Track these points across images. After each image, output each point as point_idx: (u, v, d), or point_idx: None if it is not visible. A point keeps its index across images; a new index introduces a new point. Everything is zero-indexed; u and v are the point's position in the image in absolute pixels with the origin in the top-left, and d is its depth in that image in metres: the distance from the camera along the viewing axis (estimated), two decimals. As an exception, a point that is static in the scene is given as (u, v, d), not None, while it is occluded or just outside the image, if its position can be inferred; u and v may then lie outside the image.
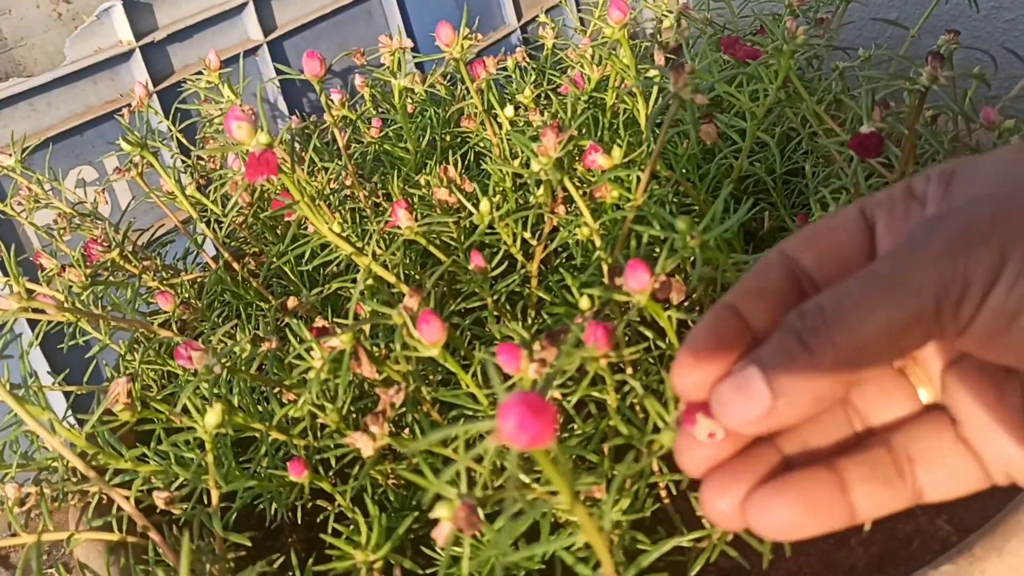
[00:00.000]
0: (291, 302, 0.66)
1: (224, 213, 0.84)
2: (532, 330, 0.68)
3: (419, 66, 1.47)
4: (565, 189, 0.65)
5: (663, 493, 0.60)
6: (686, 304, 0.61)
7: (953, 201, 0.30)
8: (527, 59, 1.16)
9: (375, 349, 0.59)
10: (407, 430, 0.60)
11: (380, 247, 0.70)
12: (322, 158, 0.91)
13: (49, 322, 0.78)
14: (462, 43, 0.75)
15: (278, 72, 1.43)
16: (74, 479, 0.65)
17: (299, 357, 0.53)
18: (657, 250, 0.61)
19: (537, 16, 1.74)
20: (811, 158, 0.82)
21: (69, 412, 0.80)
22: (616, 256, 0.58)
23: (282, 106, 1.50)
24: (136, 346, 0.76)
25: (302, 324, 0.53)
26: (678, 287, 0.51)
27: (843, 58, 1.03)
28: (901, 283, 0.28)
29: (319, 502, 0.65)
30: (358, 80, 1.08)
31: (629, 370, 0.55)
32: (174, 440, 0.53)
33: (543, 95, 0.98)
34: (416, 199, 0.77)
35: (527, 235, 0.68)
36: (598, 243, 0.61)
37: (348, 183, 0.80)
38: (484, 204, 0.64)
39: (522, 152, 0.84)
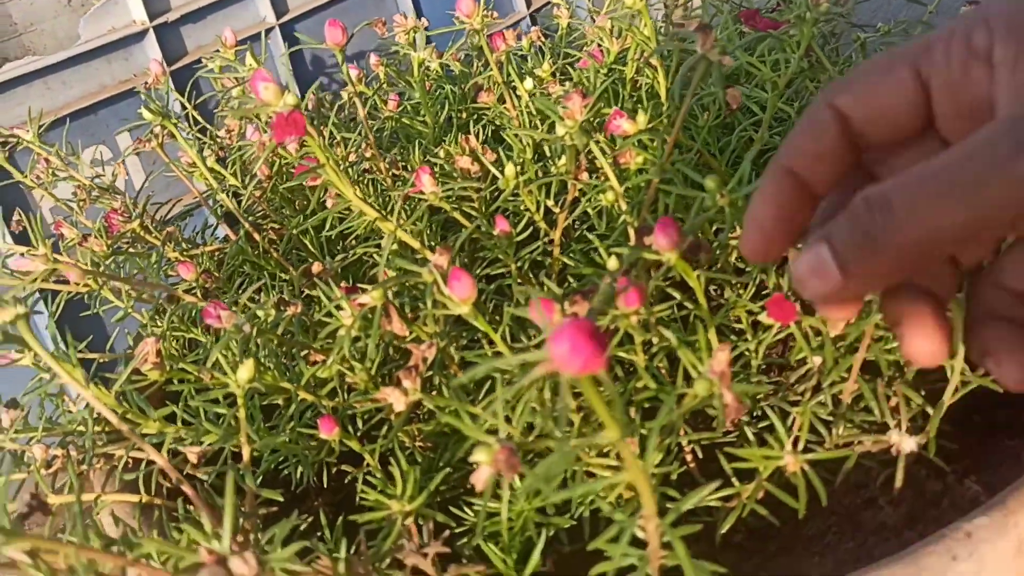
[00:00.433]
0: (315, 267, 0.67)
1: (244, 183, 0.84)
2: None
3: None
4: (589, 155, 0.65)
5: (688, 456, 0.61)
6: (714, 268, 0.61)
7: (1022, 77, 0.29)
8: (542, 39, 1.16)
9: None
10: (434, 392, 0.60)
11: (402, 216, 0.70)
12: (340, 132, 0.91)
13: (68, 293, 0.78)
14: (482, 16, 0.76)
15: (294, 43, 1.43)
16: (99, 442, 0.66)
17: (327, 317, 0.53)
18: (682, 217, 0.61)
19: (548, 2, 1.74)
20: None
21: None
22: (643, 218, 0.58)
23: (294, 88, 1.50)
24: (158, 315, 0.76)
25: (332, 282, 0.53)
26: (706, 247, 0.51)
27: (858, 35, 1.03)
28: (977, 192, 0.27)
29: (343, 467, 0.66)
30: (373, 59, 1.08)
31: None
32: (206, 397, 0.53)
33: (559, 71, 0.98)
34: (436, 170, 0.77)
35: (550, 203, 0.68)
36: (623, 207, 0.61)
37: (368, 155, 0.80)
38: (509, 168, 0.64)
39: (541, 124, 0.84)
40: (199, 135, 1.07)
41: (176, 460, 0.57)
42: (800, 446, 0.51)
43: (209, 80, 1.18)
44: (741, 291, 0.61)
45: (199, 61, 1.38)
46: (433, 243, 0.75)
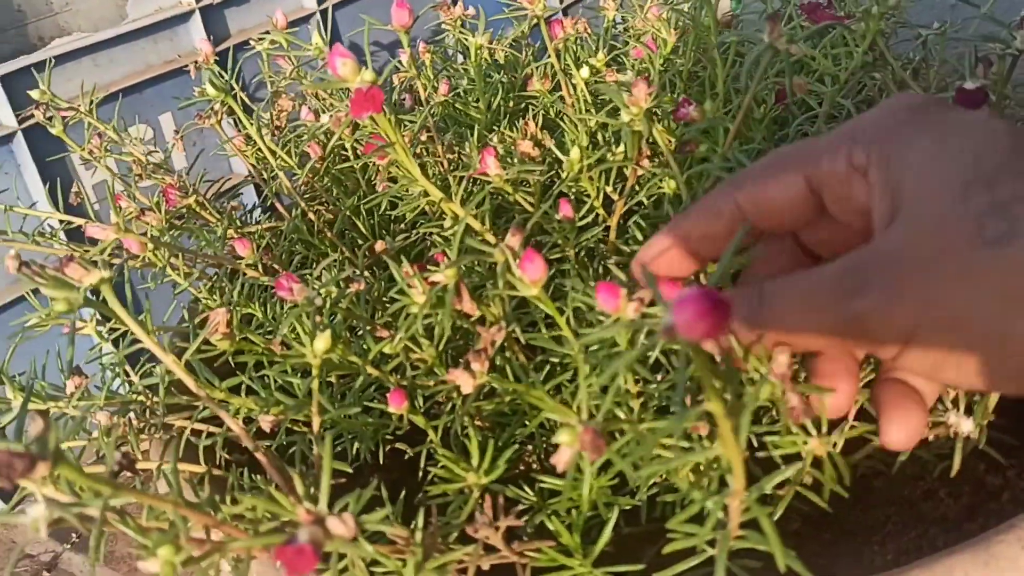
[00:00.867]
0: (379, 246, 0.67)
1: (298, 164, 0.85)
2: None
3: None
4: (649, 142, 0.65)
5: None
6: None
7: (889, 202, 0.34)
8: (588, 30, 1.16)
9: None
10: (495, 374, 0.60)
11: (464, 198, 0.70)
12: (394, 115, 0.92)
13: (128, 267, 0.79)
14: (543, 3, 0.76)
15: (333, 30, 1.44)
16: (158, 412, 0.67)
17: (398, 294, 0.53)
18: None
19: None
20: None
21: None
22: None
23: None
24: (215, 290, 0.77)
25: (404, 258, 0.54)
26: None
27: (908, 35, 1.02)
28: (821, 318, 0.33)
29: (398, 445, 0.66)
30: (421, 46, 1.08)
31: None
32: (279, 367, 0.53)
33: (611, 61, 0.98)
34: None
35: (609, 189, 0.69)
36: (684, 196, 0.61)
37: (423, 138, 0.81)
38: (575, 152, 0.64)
39: (595, 112, 0.85)
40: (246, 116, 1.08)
41: (233, 435, 0.58)
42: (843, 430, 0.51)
43: (253, 63, 1.19)
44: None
45: (243, 44, 1.39)
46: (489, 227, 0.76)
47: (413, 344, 0.57)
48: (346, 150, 0.91)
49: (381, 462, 0.66)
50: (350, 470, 0.51)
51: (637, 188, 0.69)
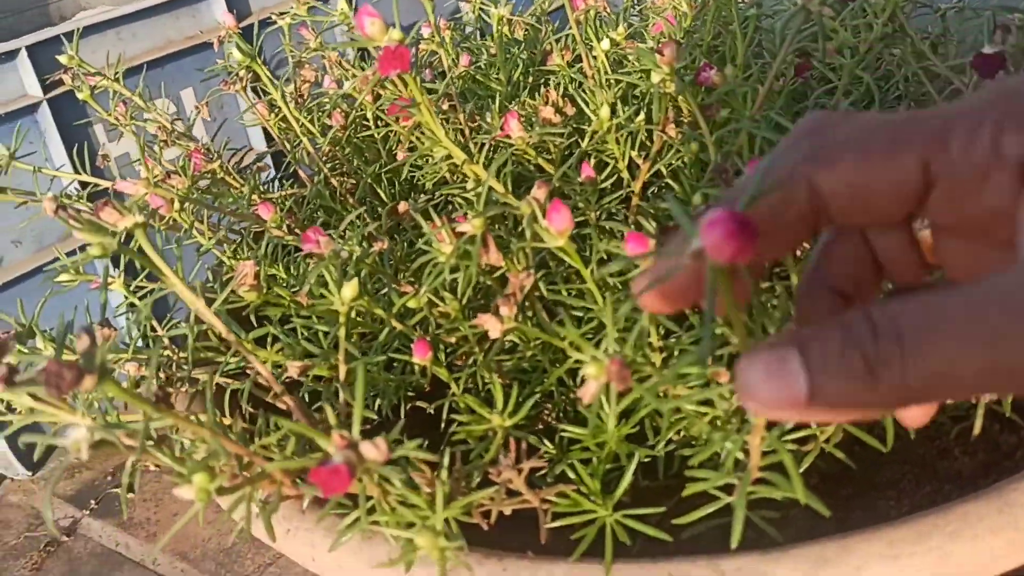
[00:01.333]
0: (401, 207, 0.68)
1: (321, 132, 0.86)
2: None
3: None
4: (675, 108, 0.66)
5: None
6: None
7: None
8: (608, 8, 1.17)
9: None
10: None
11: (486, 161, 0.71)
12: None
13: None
14: (565, -27, 0.77)
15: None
16: (185, 366, 0.68)
17: (425, 245, 0.54)
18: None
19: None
20: (905, 102, 0.82)
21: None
22: (720, 157, 0.60)
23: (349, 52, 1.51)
24: (240, 251, 0.78)
25: (432, 211, 0.55)
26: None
27: (927, 10, 1.03)
28: (997, 343, 0.23)
29: (419, 403, 0.67)
30: (441, 22, 1.09)
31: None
32: (308, 317, 0.55)
33: (631, 35, 0.99)
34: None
35: (633, 153, 0.69)
36: (712, 155, 0.62)
37: (445, 107, 0.82)
38: (604, 111, 0.65)
39: (615, 85, 0.86)
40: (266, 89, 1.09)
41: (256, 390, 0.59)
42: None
43: (275, 42, 1.20)
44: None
45: (265, 21, 1.40)
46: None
47: (436, 298, 0.59)
48: (367, 120, 0.92)
49: (402, 419, 0.67)
50: (375, 416, 0.52)
51: (658, 157, 0.70)
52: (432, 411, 0.64)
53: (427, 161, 0.81)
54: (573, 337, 0.47)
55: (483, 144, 0.67)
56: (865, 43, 0.72)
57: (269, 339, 0.61)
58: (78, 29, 0.94)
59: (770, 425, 0.41)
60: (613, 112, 0.80)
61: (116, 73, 0.99)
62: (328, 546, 0.52)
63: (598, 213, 0.69)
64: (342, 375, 0.54)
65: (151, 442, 0.42)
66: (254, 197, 0.83)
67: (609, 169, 0.69)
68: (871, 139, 0.28)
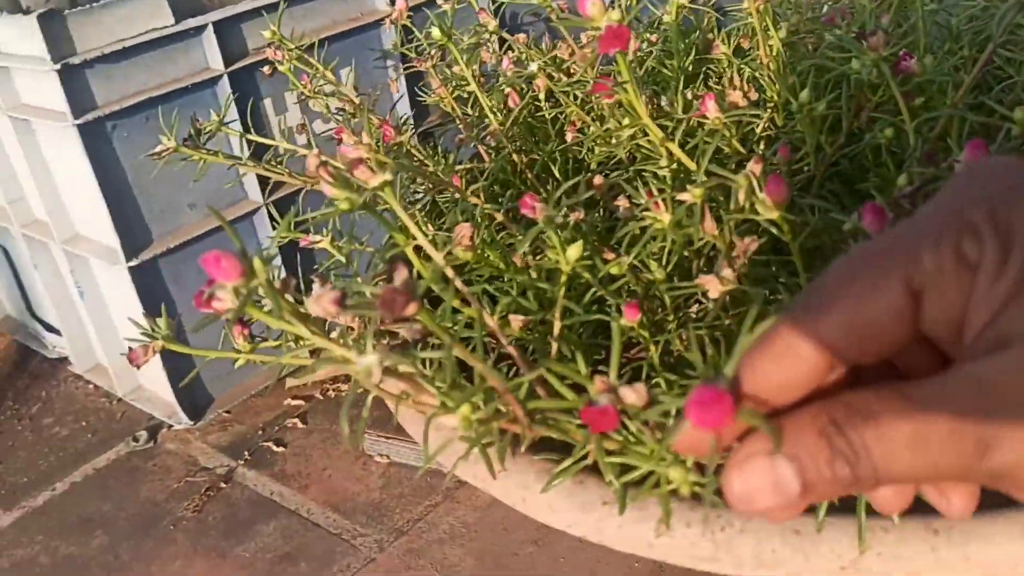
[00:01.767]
0: (596, 180, 0.72)
1: (501, 110, 0.90)
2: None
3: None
4: (873, 94, 0.68)
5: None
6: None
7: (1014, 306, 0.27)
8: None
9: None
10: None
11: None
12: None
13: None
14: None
15: None
16: (387, 320, 0.73)
17: (644, 212, 0.58)
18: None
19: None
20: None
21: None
22: (931, 142, 0.61)
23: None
24: (429, 220, 0.83)
25: (641, 180, 0.58)
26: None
27: None
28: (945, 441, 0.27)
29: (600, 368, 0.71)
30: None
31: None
32: (538, 270, 0.59)
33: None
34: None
35: (822, 138, 0.71)
36: (911, 140, 0.64)
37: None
38: (804, 94, 0.67)
39: (791, 73, 0.87)
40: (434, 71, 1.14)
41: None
42: None
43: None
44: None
45: (430, 3, 1.46)
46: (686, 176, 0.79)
47: (641, 265, 0.62)
48: (539, 101, 0.96)
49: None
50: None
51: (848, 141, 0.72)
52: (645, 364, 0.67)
53: (596, 142, 0.85)
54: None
55: (679, 121, 0.70)
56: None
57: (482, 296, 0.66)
58: (282, 3, 1.01)
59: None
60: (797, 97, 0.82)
61: (299, 47, 1.06)
62: (540, 488, 0.56)
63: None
64: (556, 330, 0.58)
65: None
66: (438, 172, 0.88)
67: (800, 153, 0.71)
68: (854, 275, 0.29)
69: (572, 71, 0.85)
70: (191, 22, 1.26)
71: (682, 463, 0.45)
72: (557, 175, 0.91)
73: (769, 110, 0.78)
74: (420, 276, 0.54)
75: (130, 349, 0.64)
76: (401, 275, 0.38)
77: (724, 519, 0.51)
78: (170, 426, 1.52)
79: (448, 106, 0.99)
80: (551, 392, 0.50)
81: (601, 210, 0.76)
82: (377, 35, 1.56)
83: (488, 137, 0.93)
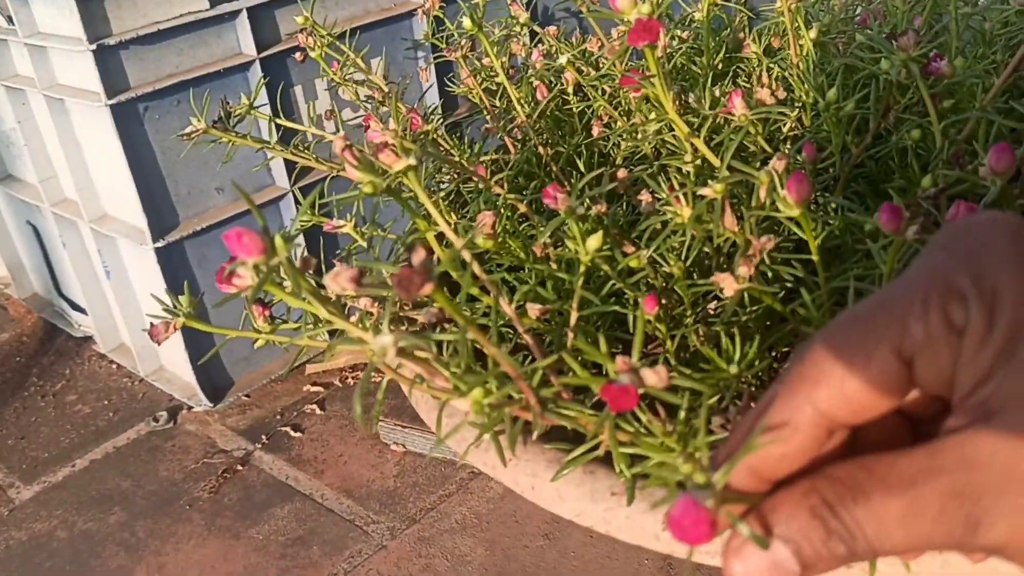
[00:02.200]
0: (620, 173, 0.72)
1: (529, 103, 0.91)
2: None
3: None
4: (902, 95, 0.68)
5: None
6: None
7: (998, 372, 0.27)
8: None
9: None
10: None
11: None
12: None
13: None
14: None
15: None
16: (406, 306, 0.74)
17: (665, 206, 0.58)
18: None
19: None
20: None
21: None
22: (959, 144, 0.61)
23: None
24: (452, 208, 0.83)
25: (664, 176, 0.58)
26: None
27: None
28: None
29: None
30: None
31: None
32: (558, 259, 0.59)
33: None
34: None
35: (848, 139, 0.71)
36: (938, 142, 0.63)
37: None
38: (832, 93, 0.67)
39: (821, 72, 0.87)
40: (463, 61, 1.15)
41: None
42: None
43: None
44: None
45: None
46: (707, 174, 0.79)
47: (660, 259, 0.62)
48: (567, 94, 0.96)
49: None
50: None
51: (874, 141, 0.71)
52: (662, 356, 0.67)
53: (622, 136, 0.85)
54: (811, 310, 0.49)
55: (705, 117, 0.70)
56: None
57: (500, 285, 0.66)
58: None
59: None
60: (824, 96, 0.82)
61: (330, 35, 1.06)
62: (550, 477, 0.56)
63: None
64: (572, 320, 0.58)
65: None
66: (463, 161, 0.89)
67: (826, 152, 0.70)
68: (847, 344, 0.30)
69: (601, 64, 0.85)
70: (225, 7, 1.27)
71: (692, 456, 0.45)
72: (582, 168, 0.91)
73: (797, 109, 0.78)
74: (439, 260, 0.54)
75: (152, 324, 0.65)
76: (419, 256, 0.38)
77: (734, 514, 0.51)
78: (190, 407, 1.54)
79: (476, 97, 0.99)
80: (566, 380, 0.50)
81: (624, 204, 0.76)
82: (409, 26, 1.57)
83: (515, 129, 0.93)
